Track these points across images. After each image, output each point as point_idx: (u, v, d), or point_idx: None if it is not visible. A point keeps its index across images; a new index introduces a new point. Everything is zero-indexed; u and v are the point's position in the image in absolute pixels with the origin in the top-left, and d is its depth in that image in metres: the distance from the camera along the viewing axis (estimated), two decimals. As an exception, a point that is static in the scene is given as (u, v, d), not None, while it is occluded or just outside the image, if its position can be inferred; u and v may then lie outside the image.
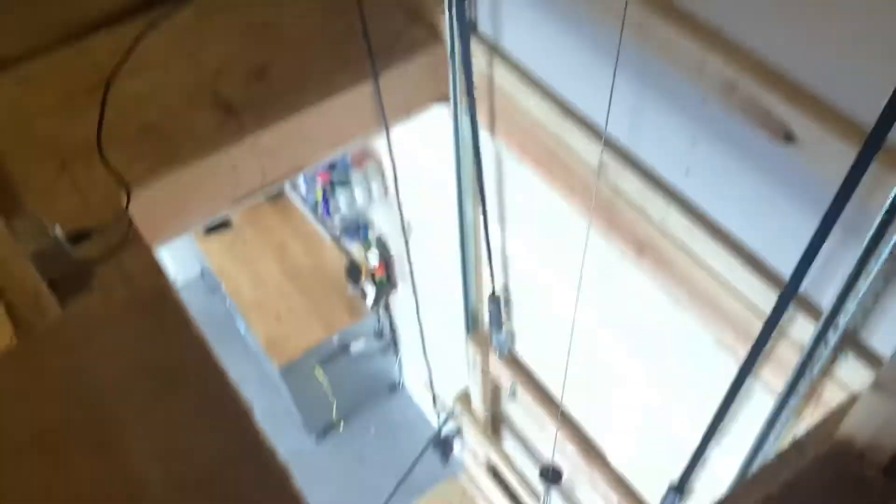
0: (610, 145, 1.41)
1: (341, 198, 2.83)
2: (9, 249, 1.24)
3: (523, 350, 2.43)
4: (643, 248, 1.48)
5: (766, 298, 1.24)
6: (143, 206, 1.50)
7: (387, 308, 3.76)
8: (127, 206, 1.45)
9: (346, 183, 2.76)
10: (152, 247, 1.45)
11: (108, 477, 1.09)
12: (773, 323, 1.21)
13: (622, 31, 1.18)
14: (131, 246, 1.42)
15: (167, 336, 1.25)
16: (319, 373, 3.67)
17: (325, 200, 2.88)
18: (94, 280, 1.37)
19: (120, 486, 1.09)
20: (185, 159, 1.56)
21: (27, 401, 1.16)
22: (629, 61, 1.26)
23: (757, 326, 1.29)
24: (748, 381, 1.37)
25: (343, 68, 1.70)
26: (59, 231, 1.30)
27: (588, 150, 1.48)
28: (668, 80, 1.23)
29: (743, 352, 1.36)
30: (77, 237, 1.36)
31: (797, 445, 1.12)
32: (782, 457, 1.11)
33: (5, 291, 1.32)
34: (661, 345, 1.67)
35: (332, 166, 2.72)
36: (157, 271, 1.38)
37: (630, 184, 1.41)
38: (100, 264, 1.39)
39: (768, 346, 1.27)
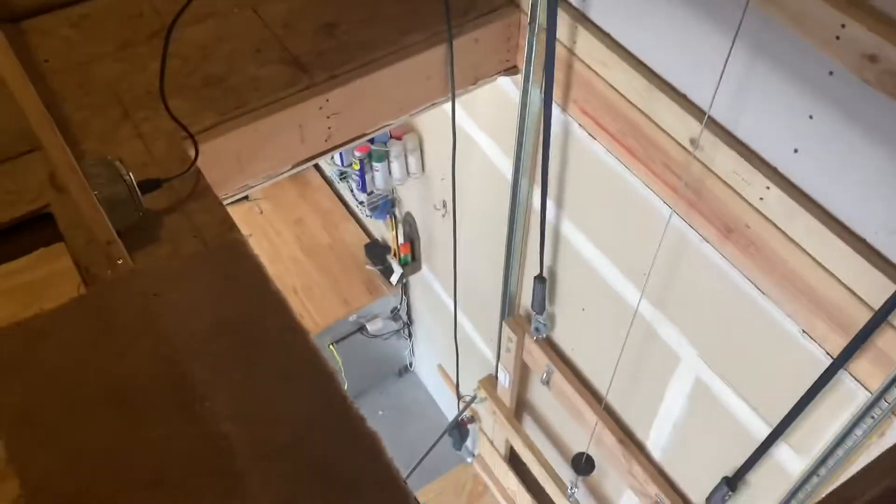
0: (708, 120, 1.35)
1: (378, 172, 2.75)
2: (82, 193, 1.17)
3: (561, 336, 2.37)
4: (731, 231, 1.42)
5: (874, 287, 1.19)
6: (206, 160, 1.43)
7: (405, 289, 3.70)
8: (196, 158, 1.38)
9: (383, 156, 2.69)
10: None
11: (188, 438, 1.03)
12: (885, 312, 1.16)
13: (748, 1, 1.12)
14: (200, 199, 1.35)
15: (243, 294, 1.18)
16: (334, 351, 3.61)
17: (362, 174, 2.81)
18: (163, 232, 1.30)
19: (201, 448, 1.02)
20: (253, 114, 1.49)
21: (100, 355, 1.09)
22: (744, 30, 1.20)
23: (858, 316, 1.24)
24: (838, 374, 1.32)
25: (416, 29, 1.63)
26: (132, 177, 1.23)
27: (678, 125, 1.42)
28: (789, 51, 1.17)
29: (836, 342, 1.31)
30: (146, 186, 1.29)
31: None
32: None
33: (74, 240, 1.25)
34: (731, 333, 1.61)
35: (371, 139, 2.64)
36: (230, 225, 1.31)
37: (725, 162, 1.35)
38: (167, 216, 1.32)
39: (871, 337, 1.22)
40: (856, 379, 1.32)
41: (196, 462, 1.00)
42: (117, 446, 1.01)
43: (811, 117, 1.19)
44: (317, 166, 3.88)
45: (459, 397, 3.09)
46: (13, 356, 1.10)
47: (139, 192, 1.24)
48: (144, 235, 1.29)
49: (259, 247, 3.74)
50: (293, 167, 1.62)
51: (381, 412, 4.17)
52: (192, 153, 1.39)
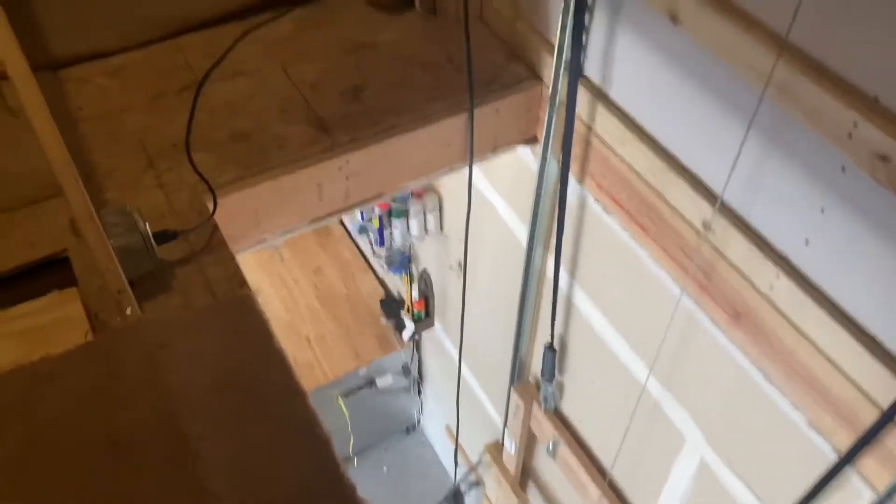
0: (721, 205, 1.36)
1: (396, 229, 2.78)
2: (97, 241, 1.19)
3: (569, 406, 2.35)
4: (739, 316, 1.41)
5: (883, 385, 1.17)
6: (224, 213, 1.46)
7: (417, 346, 3.69)
8: (213, 211, 1.40)
9: (402, 213, 2.72)
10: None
11: (179, 495, 1.02)
12: (893, 412, 1.14)
13: (765, 90, 1.13)
14: (214, 252, 1.37)
15: (249, 350, 1.19)
16: (342, 404, 3.59)
17: (380, 229, 2.84)
18: (175, 283, 1.32)
19: (191, 505, 1.01)
20: (274, 171, 1.52)
21: (101, 404, 1.10)
22: (759, 120, 1.22)
23: (866, 414, 1.21)
24: (845, 471, 1.29)
25: (439, 97, 1.67)
26: (147, 228, 1.25)
27: (692, 208, 1.43)
28: (802, 144, 1.18)
29: (843, 437, 1.29)
30: (162, 237, 1.31)
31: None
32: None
33: (87, 285, 1.27)
34: (737, 418, 1.59)
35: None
36: (240, 281, 1.32)
37: (737, 247, 1.35)
38: (180, 267, 1.35)
39: (878, 436, 1.20)
40: (863, 477, 1.29)
41: (183, 518, 0.99)
42: (109, 499, 1.01)
43: (823, 210, 1.19)
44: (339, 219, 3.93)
45: (457, 464, 3.06)
46: (16, 399, 1.11)
47: (154, 243, 1.27)
48: (157, 285, 1.31)
49: (277, 294, 3.76)
50: (310, 223, 1.65)
51: (385, 468, 4.12)
52: (210, 206, 1.42)
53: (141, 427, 1.08)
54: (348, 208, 1.68)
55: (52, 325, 1.22)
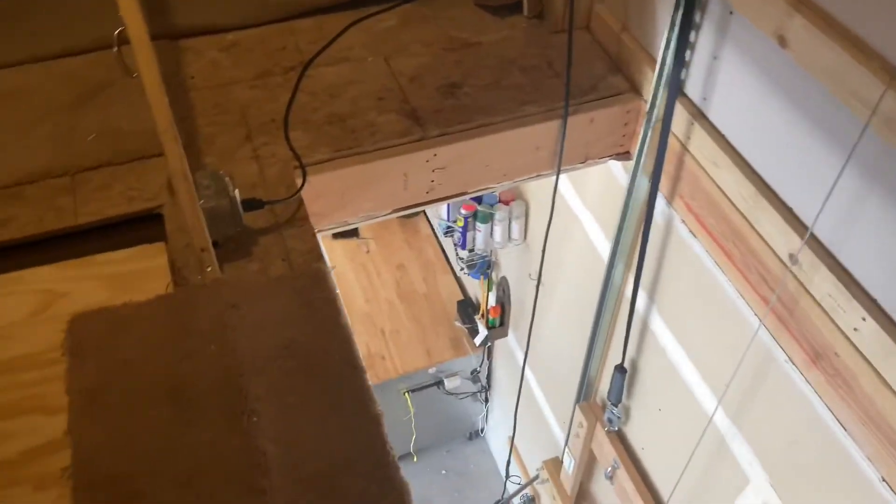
0: (810, 238, 1.31)
1: (479, 233, 2.79)
2: (188, 201, 1.25)
3: (633, 431, 2.30)
4: (818, 357, 1.35)
5: (965, 446, 1.10)
6: (313, 191, 1.51)
7: (489, 353, 3.69)
8: (301, 187, 1.45)
9: (488, 218, 2.73)
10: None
11: (230, 448, 1.06)
12: (972, 476, 1.06)
13: (868, 121, 1.08)
14: (296, 226, 1.42)
15: (315, 322, 1.23)
16: (408, 399, 3.62)
17: (464, 231, 2.85)
18: (255, 250, 1.37)
19: (238, 459, 1.05)
20: (364, 156, 1.56)
21: (170, 353, 1.15)
22: (860, 154, 1.16)
23: (944, 475, 1.14)
24: (915, 533, 1.22)
25: (534, 101, 1.67)
26: (237, 194, 1.31)
27: (780, 238, 1.38)
28: (904, 183, 1.12)
29: (916, 499, 1.21)
30: (250, 204, 1.37)
31: None
32: None
33: (175, 242, 1.34)
34: (806, 465, 1.51)
35: (479, 198, 2.69)
36: (317, 256, 1.36)
37: (822, 283, 1.30)
38: (263, 236, 1.40)
39: (955, 500, 1.12)
40: (934, 543, 1.21)
41: (230, 472, 1.03)
42: (164, 441, 1.06)
43: (920, 254, 1.12)
44: (426, 218, 3.98)
45: (507, 476, 3.03)
46: (97, 338, 1.18)
47: (241, 209, 1.32)
48: (238, 250, 1.36)
49: (359, 284, 3.84)
50: (392, 212, 1.68)
51: (444, 472, 4.13)
52: (299, 182, 1.47)
53: (203, 380, 1.13)
54: (431, 202, 1.70)
55: (138, 274, 1.29)
